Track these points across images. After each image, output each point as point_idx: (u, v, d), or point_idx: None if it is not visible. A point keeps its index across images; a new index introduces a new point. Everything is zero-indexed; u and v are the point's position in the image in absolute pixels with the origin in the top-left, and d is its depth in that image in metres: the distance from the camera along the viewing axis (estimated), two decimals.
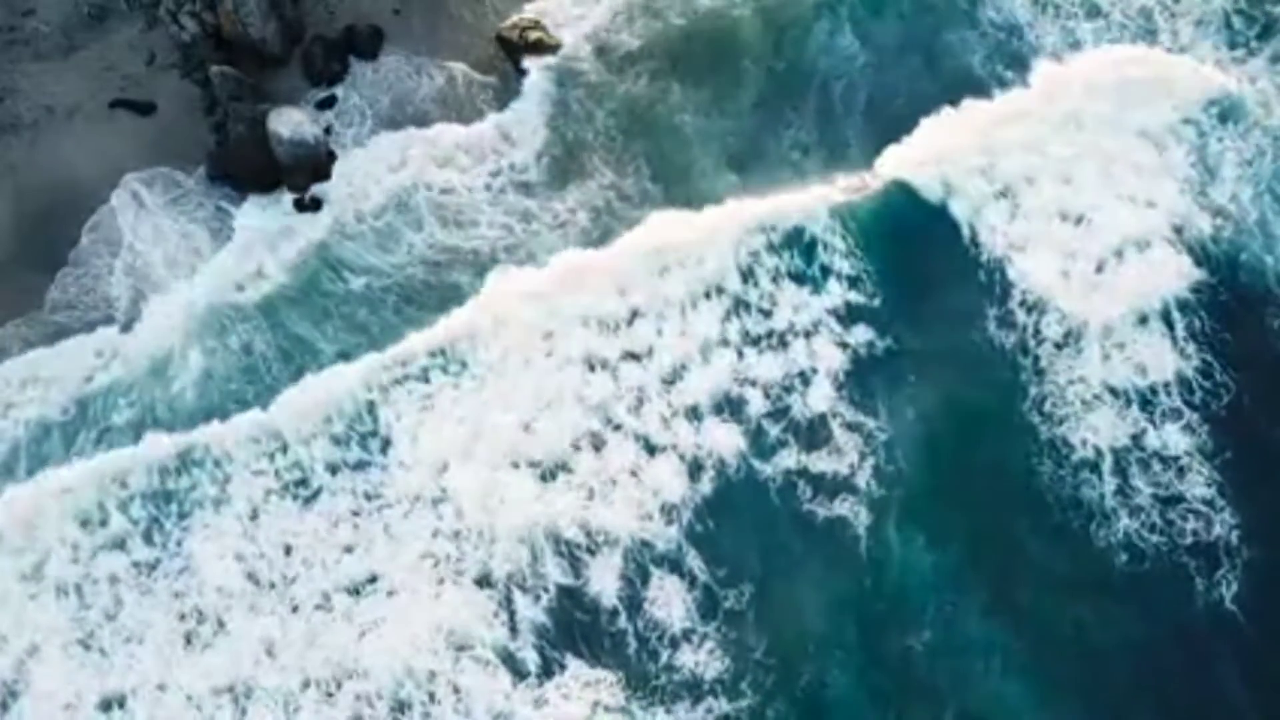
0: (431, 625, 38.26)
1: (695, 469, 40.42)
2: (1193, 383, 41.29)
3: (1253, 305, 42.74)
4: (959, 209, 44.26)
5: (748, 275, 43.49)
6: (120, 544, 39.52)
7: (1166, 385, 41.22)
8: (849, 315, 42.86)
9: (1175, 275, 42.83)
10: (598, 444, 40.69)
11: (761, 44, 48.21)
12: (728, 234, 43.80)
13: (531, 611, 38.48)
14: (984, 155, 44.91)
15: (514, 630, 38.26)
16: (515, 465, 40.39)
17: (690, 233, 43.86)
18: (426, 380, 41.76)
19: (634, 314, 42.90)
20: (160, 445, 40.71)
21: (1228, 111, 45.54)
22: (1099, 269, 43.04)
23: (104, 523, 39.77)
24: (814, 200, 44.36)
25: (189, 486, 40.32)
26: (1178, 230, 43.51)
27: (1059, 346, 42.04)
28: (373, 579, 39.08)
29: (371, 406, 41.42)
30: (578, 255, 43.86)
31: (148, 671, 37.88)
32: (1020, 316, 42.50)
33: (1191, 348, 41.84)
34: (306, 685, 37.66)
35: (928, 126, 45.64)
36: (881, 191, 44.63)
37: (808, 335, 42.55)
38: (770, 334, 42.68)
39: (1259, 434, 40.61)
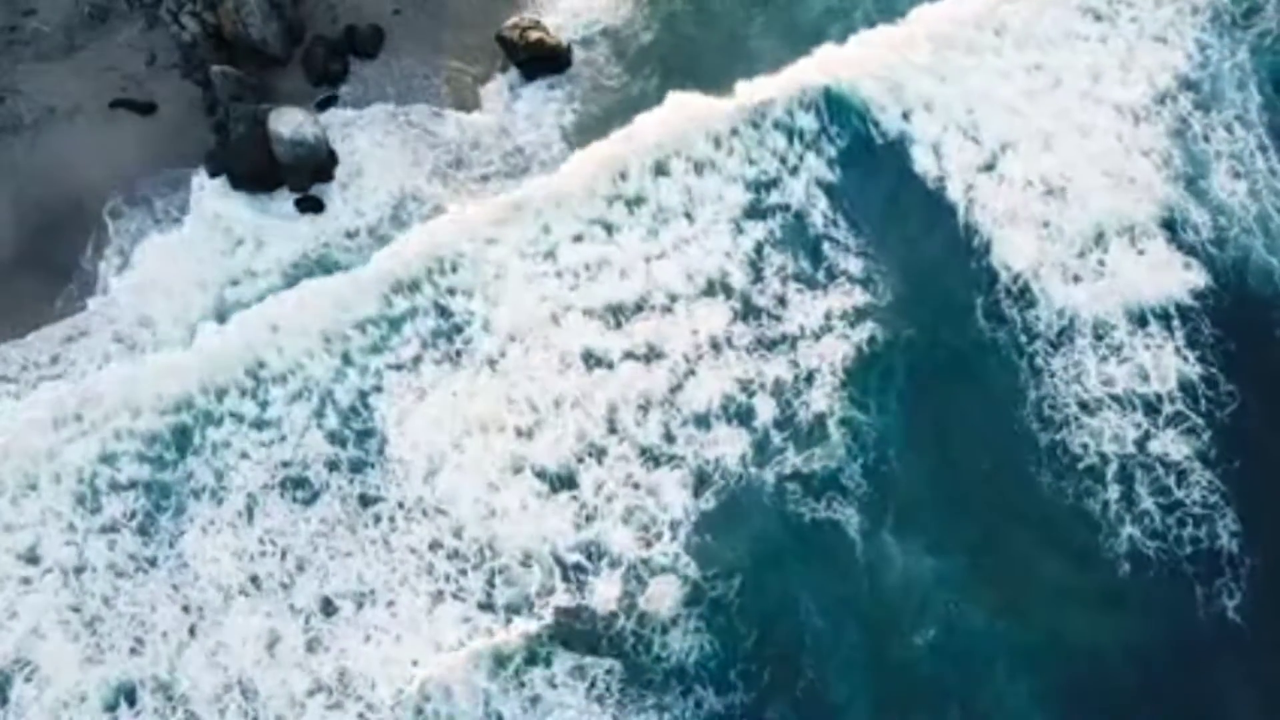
0: (430, 637, 38.09)
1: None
2: (1196, 386, 41.11)
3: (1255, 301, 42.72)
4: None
5: None
6: (114, 531, 39.52)
7: (1171, 392, 41.03)
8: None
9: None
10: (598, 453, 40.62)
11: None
12: None
13: (532, 623, 38.22)
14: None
15: (515, 637, 38.02)
16: (517, 470, 40.17)
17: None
18: (419, 371, 41.76)
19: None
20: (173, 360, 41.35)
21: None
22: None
23: (97, 509, 39.78)
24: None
25: (184, 476, 40.33)
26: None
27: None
28: (370, 590, 38.83)
29: (365, 398, 41.41)
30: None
31: (145, 665, 37.89)
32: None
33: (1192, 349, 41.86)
34: (313, 691, 37.49)
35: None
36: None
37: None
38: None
39: (1264, 440, 40.37)
